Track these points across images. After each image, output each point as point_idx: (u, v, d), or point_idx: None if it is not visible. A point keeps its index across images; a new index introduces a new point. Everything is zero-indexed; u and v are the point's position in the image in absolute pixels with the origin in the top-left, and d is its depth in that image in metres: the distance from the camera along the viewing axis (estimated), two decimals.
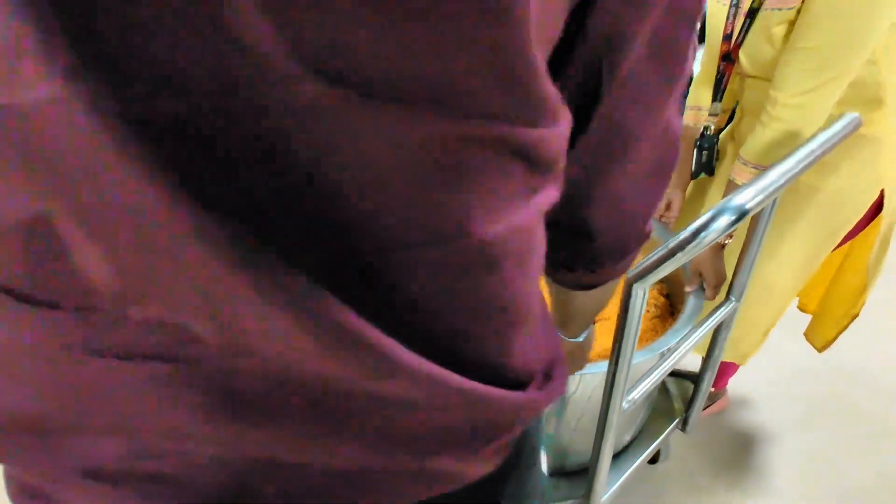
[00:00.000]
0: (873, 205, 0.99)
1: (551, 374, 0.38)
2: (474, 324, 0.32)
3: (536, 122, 0.28)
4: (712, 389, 1.39)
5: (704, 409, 1.38)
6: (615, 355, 0.77)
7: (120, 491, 0.31)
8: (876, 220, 1.03)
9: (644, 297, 0.71)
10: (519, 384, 0.35)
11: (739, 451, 1.43)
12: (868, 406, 1.53)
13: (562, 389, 0.39)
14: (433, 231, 0.28)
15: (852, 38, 0.73)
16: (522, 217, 0.31)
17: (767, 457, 1.42)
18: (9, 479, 0.35)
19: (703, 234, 0.68)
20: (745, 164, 0.92)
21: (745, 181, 0.88)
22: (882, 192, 0.97)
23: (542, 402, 0.36)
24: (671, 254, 0.68)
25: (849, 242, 1.10)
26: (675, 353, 0.90)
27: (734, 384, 1.50)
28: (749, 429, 1.49)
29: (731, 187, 0.95)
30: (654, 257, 0.69)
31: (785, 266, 1.05)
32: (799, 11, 0.77)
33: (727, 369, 1.38)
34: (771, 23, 0.81)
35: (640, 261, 0.68)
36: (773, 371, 1.61)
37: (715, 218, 0.69)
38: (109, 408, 0.29)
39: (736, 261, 0.96)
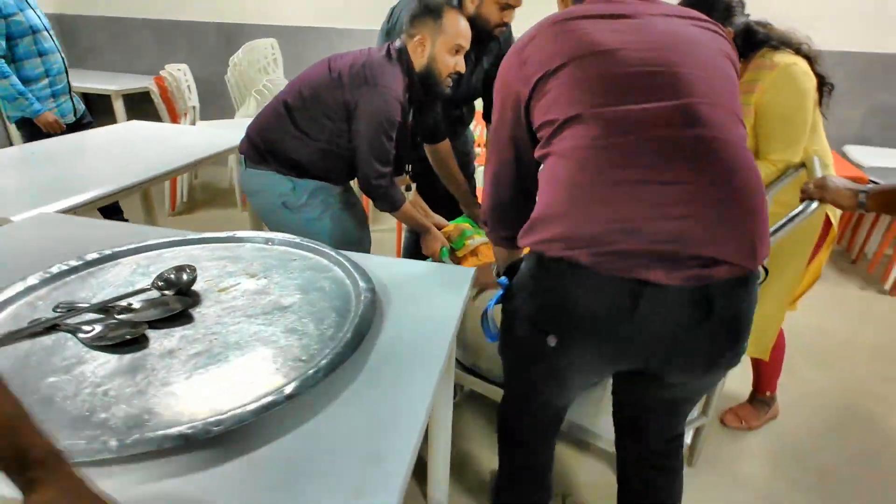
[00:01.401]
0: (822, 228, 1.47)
1: None
2: None
3: None
4: (767, 394, 1.52)
5: (764, 416, 1.74)
6: None
7: None
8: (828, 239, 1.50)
9: None
10: None
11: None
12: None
13: None
14: None
15: (796, 134, 1.33)
16: None
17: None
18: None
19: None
20: None
21: None
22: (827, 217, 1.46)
23: None
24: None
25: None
26: None
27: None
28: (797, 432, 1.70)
29: None
30: None
31: (792, 280, 1.49)
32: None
33: (772, 372, 1.64)
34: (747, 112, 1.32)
35: None
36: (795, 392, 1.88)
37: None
38: None
39: None
